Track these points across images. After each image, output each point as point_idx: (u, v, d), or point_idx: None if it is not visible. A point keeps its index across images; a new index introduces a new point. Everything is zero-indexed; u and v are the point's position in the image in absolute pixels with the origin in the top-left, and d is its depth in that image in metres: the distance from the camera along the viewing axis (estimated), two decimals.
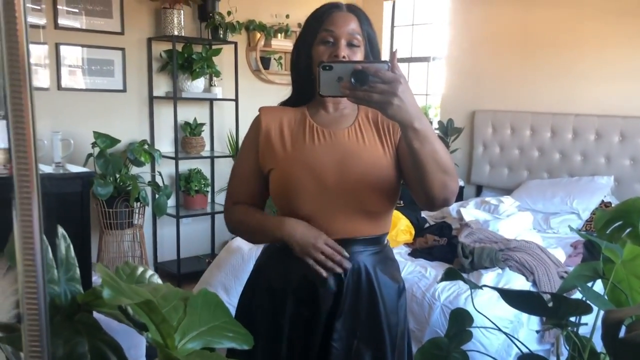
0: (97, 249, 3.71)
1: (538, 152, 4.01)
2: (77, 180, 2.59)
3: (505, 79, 4.17)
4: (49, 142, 2.87)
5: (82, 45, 3.69)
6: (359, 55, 1.29)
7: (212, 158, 4.31)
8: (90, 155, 3.58)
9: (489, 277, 2.50)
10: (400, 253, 2.82)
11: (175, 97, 3.88)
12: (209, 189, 4.28)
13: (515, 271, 2.55)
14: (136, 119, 3.99)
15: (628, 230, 1.32)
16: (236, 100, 4.19)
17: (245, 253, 2.88)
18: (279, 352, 1.32)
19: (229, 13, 4.12)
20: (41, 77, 3.48)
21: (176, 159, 3.94)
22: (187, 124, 4.11)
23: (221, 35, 4.08)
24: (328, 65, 1.09)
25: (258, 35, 4.41)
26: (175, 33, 3.83)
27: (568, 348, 1.27)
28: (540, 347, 2.31)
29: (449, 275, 1.27)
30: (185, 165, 4.18)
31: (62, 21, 3.59)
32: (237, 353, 0.90)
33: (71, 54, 3.67)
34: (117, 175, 3.65)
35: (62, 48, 3.61)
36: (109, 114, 3.83)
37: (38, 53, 3.44)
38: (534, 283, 2.49)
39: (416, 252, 2.87)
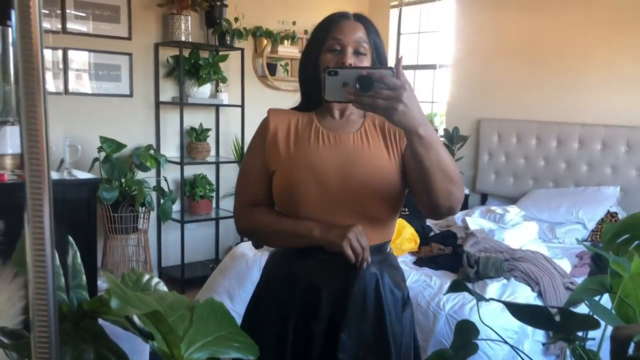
0: (102, 253, 3.72)
1: (544, 162, 4.00)
2: (84, 186, 2.60)
3: (512, 87, 4.16)
4: (57, 147, 2.88)
5: (90, 50, 3.71)
6: (365, 64, 1.30)
7: (217, 164, 4.31)
8: (96, 159, 3.60)
9: (494, 287, 2.48)
10: (405, 262, 2.81)
11: (181, 103, 3.89)
12: (214, 194, 4.28)
13: (520, 281, 2.54)
14: (142, 124, 4.00)
15: (636, 243, 1.30)
16: (242, 106, 4.20)
17: (250, 259, 2.88)
18: None
19: (236, 19, 4.13)
20: (48, 82, 3.50)
21: (181, 164, 3.95)
22: (193, 129, 4.12)
23: (228, 42, 4.09)
24: (333, 71, 1.09)
25: (265, 41, 4.43)
26: (183, 39, 3.85)
27: None
28: (545, 359, 2.30)
29: (455, 287, 1.26)
30: (190, 171, 4.18)
31: (70, 26, 3.62)
32: None
33: (78, 59, 3.69)
34: (123, 180, 3.66)
35: (70, 53, 3.63)
36: (115, 119, 3.85)
37: (48, 58, 3.46)
38: (540, 294, 2.48)
39: (421, 261, 2.86)
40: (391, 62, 1.24)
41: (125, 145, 3.65)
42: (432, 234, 3.31)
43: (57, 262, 0.90)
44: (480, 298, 1.29)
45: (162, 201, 3.79)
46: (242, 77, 4.20)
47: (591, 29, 3.75)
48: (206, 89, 4.09)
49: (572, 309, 1.15)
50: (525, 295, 2.46)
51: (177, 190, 4.08)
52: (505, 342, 1.36)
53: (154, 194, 3.85)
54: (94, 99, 3.77)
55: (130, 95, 3.91)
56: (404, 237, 2.98)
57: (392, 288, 1.33)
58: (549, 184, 3.96)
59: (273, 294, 1.37)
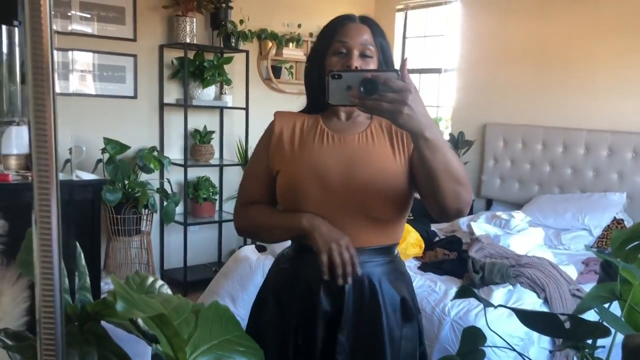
0: (105, 254, 3.71)
1: (549, 167, 3.98)
2: (88, 187, 2.59)
3: (517, 92, 4.15)
4: (61, 148, 2.88)
5: (94, 51, 3.71)
6: (371, 66, 1.29)
7: (221, 166, 4.31)
8: (99, 161, 3.59)
9: (499, 293, 2.46)
10: (409, 267, 2.79)
11: (185, 105, 3.89)
12: (217, 197, 4.28)
13: (526, 287, 2.52)
14: (146, 125, 4.00)
15: None
16: (246, 108, 4.20)
17: (253, 263, 2.86)
18: None
19: (241, 22, 4.13)
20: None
21: (185, 166, 3.94)
22: (196, 131, 4.12)
23: (233, 44, 4.09)
24: (337, 74, 1.08)
25: (269, 44, 4.43)
26: (187, 41, 3.85)
27: None
28: None
29: (462, 293, 1.24)
30: (194, 173, 4.18)
31: (74, 27, 3.62)
32: None
33: (82, 60, 3.69)
34: (126, 182, 3.65)
35: (74, 54, 3.63)
36: (119, 120, 3.85)
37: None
38: (546, 300, 2.46)
39: (426, 266, 2.84)
40: (397, 65, 1.23)
41: (129, 147, 3.65)
42: (437, 239, 3.29)
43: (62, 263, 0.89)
44: (487, 304, 1.28)
45: (165, 203, 3.78)
46: (246, 79, 4.20)
47: (598, 34, 3.73)
48: (210, 91, 4.09)
49: (580, 316, 1.13)
50: (531, 301, 2.44)
51: (180, 192, 4.08)
52: (513, 349, 1.34)
53: (157, 196, 3.84)
54: (98, 100, 3.77)
55: (135, 97, 3.91)
56: (408, 242, 2.97)
57: (391, 291, 1.31)
58: (555, 189, 3.94)
59: (275, 297, 1.36)
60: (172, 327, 0.76)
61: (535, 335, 2.23)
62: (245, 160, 4.12)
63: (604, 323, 1.13)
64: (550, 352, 2.23)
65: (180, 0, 3.83)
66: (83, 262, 0.97)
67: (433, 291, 2.49)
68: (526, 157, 4.08)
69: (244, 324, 1.37)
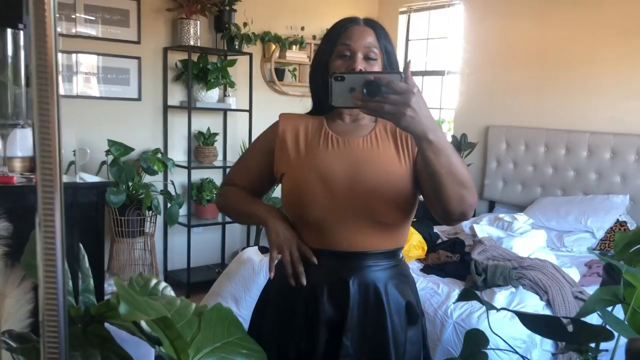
0: (108, 256, 3.72)
1: (552, 169, 3.97)
2: (92, 190, 2.59)
3: (520, 94, 4.14)
4: (65, 150, 2.89)
5: (98, 54, 3.73)
6: (375, 69, 1.29)
7: (224, 168, 4.31)
8: (103, 162, 3.60)
9: (502, 295, 2.46)
10: (412, 269, 2.78)
11: (189, 107, 3.90)
12: None
13: (529, 290, 2.52)
14: (150, 127, 4.01)
15: None
16: (250, 110, 4.20)
17: (256, 264, 2.87)
18: None
19: (244, 24, 4.14)
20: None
21: (189, 168, 3.95)
22: (200, 133, 4.13)
23: (236, 46, 4.10)
24: (340, 76, 1.08)
25: (273, 46, 4.43)
26: (191, 43, 3.86)
27: None
28: None
29: (465, 296, 1.24)
30: (197, 175, 4.19)
31: (79, 29, 3.64)
32: None
33: (87, 62, 3.71)
34: (130, 184, 3.66)
35: (79, 56, 3.65)
36: (123, 122, 3.86)
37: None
38: (548, 303, 2.46)
39: (428, 268, 2.84)
40: (400, 68, 1.23)
41: (132, 149, 3.66)
42: (439, 241, 3.29)
43: (66, 265, 0.89)
44: (490, 307, 1.28)
45: (169, 205, 3.79)
46: (250, 81, 4.21)
47: (600, 37, 3.73)
48: (214, 94, 4.10)
49: (583, 319, 1.13)
50: (533, 304, 2.43)
51: (184, 194, 4.09)
52: (515, 352, 1.34)
53: (161, 198, 3.85)
54: (103, 102, 3.79)
55: (139, 99, 3.93)
56: (411, 244, 2.97)
57: (396, 295, 1.31)
58: (558, 192, 3.93)
59: (278, 299, 1.36)
60: (175, 330, 0.76)
61: (537, 338, 2.23)
62: None
63: (607, 326, 1.12)
64: (553, 355, 2.22)
65: (184, 3, 3.84)
66: (87, 264, 0.97)
67: (435, 293, 2.49)
68: (529, 159, 4.08)
69: (246, 325, 1.38)
